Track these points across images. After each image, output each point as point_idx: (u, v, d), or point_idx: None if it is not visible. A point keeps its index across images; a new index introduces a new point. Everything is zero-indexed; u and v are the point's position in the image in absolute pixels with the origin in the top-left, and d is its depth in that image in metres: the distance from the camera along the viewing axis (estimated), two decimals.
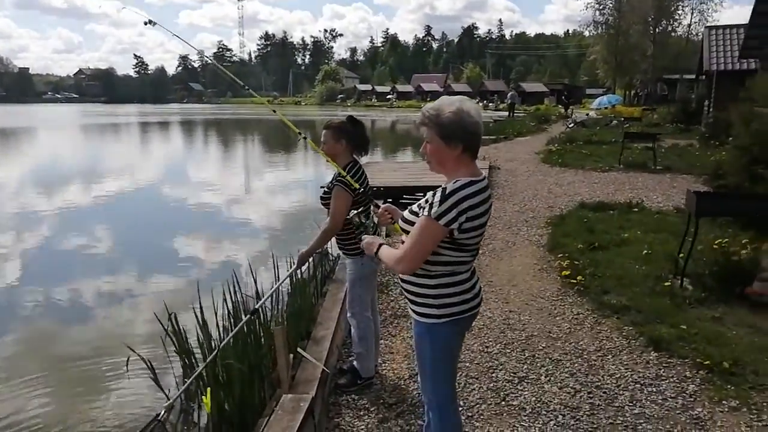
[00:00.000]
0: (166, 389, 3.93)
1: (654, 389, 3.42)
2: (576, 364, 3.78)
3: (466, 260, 2.26)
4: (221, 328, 4.12)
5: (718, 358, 3.66)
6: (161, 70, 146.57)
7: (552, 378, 3.61)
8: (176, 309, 4.22)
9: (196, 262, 7.81)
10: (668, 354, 3.83)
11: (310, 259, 4.32)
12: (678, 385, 3.45)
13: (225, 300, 4.30)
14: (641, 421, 3.12)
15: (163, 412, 3.24)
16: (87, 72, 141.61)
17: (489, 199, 2.22)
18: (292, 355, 3.44)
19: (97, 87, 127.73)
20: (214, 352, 3.52)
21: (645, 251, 5.96)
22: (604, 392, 3.41)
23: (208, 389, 2.73)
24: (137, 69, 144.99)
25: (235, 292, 4.37)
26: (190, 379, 3.51)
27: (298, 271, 4.24)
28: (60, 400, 4.27)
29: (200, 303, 4.02)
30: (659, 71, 48.40)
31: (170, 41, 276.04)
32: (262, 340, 3.90)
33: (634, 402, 3.30)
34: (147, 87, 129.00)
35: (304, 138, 3.28)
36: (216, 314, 4.07)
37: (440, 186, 2.17)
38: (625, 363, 3.78)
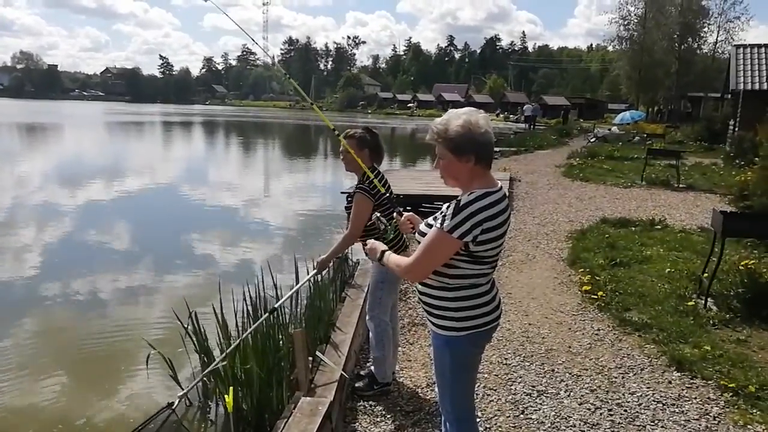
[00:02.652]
0: (185, 385, 3.94)
1: (676, 410, 3.37)
2: (596, 381, 3.73)
3: (485, 272, 2.24)
4: (240, 328, 4.14)
5: (744, 381, 3.59)
6: (185, 72, 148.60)
7: (572, 393, 3.57)
8: (196, 307, 4.24)
9: (217, 261, 7.87)
10: (691, 374, 3.77)
11: (330, 264, 4.33)
12: (701, 407, 3.39)
13: (245, 300, 4.32)
14: None
15: (177, 401, 3.26)
16: (113, 71, 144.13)
17: (507, 210, 2.19)
18: (310, 359, 3.44)
19: (123, 86, 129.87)
20: (232, 346, 3.54)
21: (668, 269, 5.88)
22: (625, 410, 3.36)
23: (231, 389, 2.73)
24: (162, 69, 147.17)
25: (253, 294, 4.38)
26: (206, 371, 3.53)
27: (318, 275, 4.25)
28: (79, 392, 4.33)
29: (221, 302, 4.04)
30: (683, 88, 47.92)
31: (195, 43, 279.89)
32: (281, 342, 3.91)
33: (656, 422, 3.24)
34: (171, 87, 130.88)
35: (338, 135, 3.30)
36: (235, 314, 4.09)
37: (457, 197, 2.17)
38: (647, 381, 3.72)
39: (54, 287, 6.67)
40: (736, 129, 19.12)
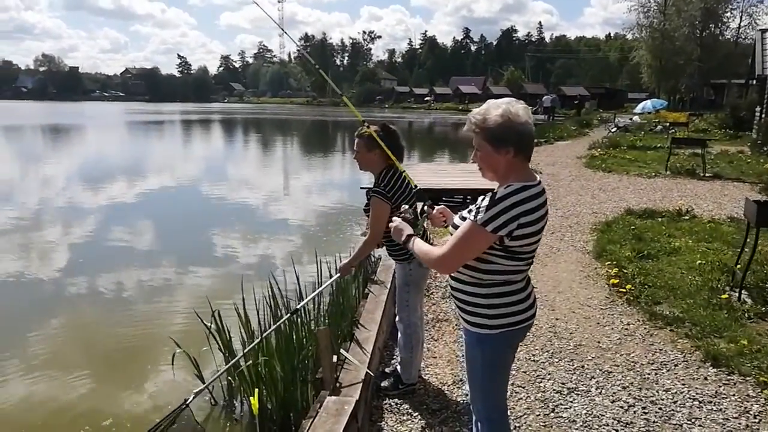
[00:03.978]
0: (210, 386, 3.92)
1: (714, 407, 3.25)
2: (628, 377, 3.63)
3: (520, 269, 2.15)
4: (264, 327, 4.10)
5: None
6: (203, 70, 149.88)
7: (603, 390, 3.47)
8: (219, 304, 4.22)
9: (239, 258, 7.87)
10: (728, 370, 3.64)
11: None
12: (740, 405, 3.27)
13: (267, 299, 4.28)
14: None
15: (191, 397, 3.23)
16: (133, 71, 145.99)
17: (545, 205, 2.10)
18: (335, 357, 3.39)
19: (142, 86, 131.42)
20: (251, 345, 3.51)
21: (698, 261, 5.72)
22: (660, 408, 3.25)
23: (256, 390, 2.69)
24: (180, 68, 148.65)
25: (275, 294, 4.34)
26: (223, 370, 3.51)
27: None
28: (104, 390, 4.34)
29: (243, 301, 4.01)
30: (706, 75, 46.89)
31: (212, 41, 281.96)
32: (305, 340, 3.87)
33: (693, 420, 3.13)
34: (189, 86, 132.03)
35: (368, 126, 3.23)
36: (258, 313, 4.05)
37: (489, 189, 2.08)
38: (681, 378, 3.60)
39: (77, 285, 6.75)
40: (763, 115, 18.62)
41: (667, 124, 24.54)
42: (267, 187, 14.60)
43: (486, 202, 2.02)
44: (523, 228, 2.02)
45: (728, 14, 46.97)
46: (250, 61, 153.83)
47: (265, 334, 3.53)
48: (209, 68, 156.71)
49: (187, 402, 3.23)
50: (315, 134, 33.09)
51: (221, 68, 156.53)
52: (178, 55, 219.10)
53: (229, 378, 3.80)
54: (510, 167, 2.08)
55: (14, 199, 12.34)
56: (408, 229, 2.34)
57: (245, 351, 3.48)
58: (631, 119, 28.92)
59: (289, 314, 3.55)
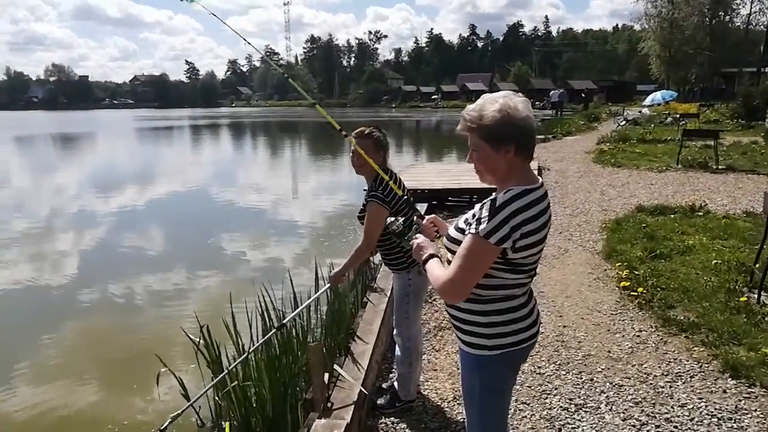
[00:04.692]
0: (196, 406, 3.73)
1: (735, 425, 3.00)
2: (641, 391, 3.39)
3: (522, 282, 1.94)
4: (255, 341, 3.91)
5: None
6: (211, 75, 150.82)
7: (614, 407, 3.24)
8: (210, 317, 4.04)
9: (236, 266, 7.71)
10: (748, 382, 3.38)
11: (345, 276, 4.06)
12: (764, 421, 3.01)
13: (260, 311, 4.08)
14: None
15: (167, 423, 3.04)
16: (142, 78, 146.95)
17: (547, 210, 1.88)
18: (327, 375, 3.19)
19: (151, 92, 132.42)
20: (237, 361, 3.32)
21: (714, 260, 5.45)
22: (676, 427, 3.01)
23: (227, 424, 2.51)
24: (188, 74, 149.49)
25: (266, 306, 4.14)
26: (206, 390, 3.32)
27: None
28: (85, 404, 4.20)
29: (232, 315, 3.81)
30: (716, 65, 46.14)
31: (219, 47, 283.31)
32: (299, 353, 3.67)
33: None
34: (198, 91, 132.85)
35: (346, 136, 3.01)
36: (250, 327, 3.85)
37: (490, 191, 1.86)
38: (698, 391, 3.35)
39: (77, 293, 6.67)
40: None
41: (678, 115, 24.07)
42: (270, 190, 14.47)
43: (486, 211, 1.81)
44: (525, 238, 1.80)
45: (738, 0, 46.21)
46: (257, 65, 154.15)
47: (249, 351, 3.34)
48: (217, 73, 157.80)
49: (163, 427, 3.04)
50: (321, 137, 32.91)
51: (229, 72, 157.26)
52: (186, 61, 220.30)
53: (216, 398, 3.61)
54: (511, 168, 1.86)
55: (26, 207, 12.42)
56: (431, 249, 2.07)
57: (229, 369, 3.28)
58: (640, 112, 28.45)
59: (274, 330, 3.35)
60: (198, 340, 3.77)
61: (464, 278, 1.84)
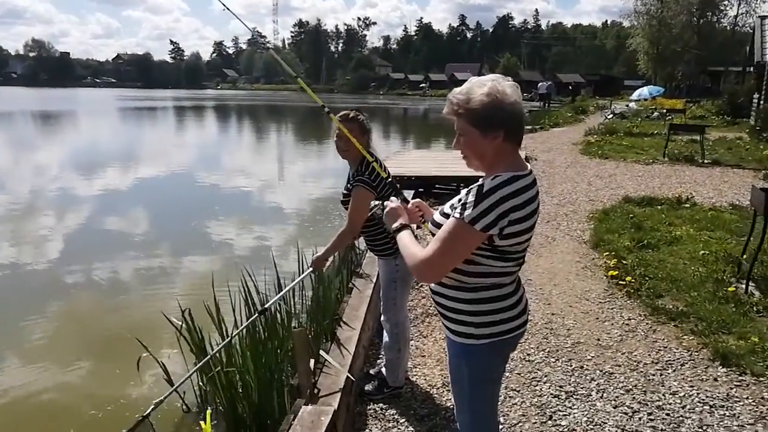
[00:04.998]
0: (181, 391, 3.63)
1: (727, 412, 2.98)
2: (631, 379, 3.36)
3: (510, 270, 1.86)
4: (238, 327, 3.81)
5: None
6: (196, 56, 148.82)
7: (605, 394, 3.20)
8: (191, 302, 3.91)
9: (221, 250, 7.56)
10: (739, 370, 3.37)
11: (330, 260, 3.97)
12: (755, 409, 3.00)
13: (244, 295, 3.97)
14: None
15: (151, 409, 2.94)
16: (125, 57, 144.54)
17: (536, 198, 1.80)
18: (313, 361, 3.11)
19: (134, 72, 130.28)
20: (219, 346, 3.22)
21: (701, 251, 5.45)
22: (668, 414, 2.98)
23: (208, 412, 2.41)
24: (173, 55, 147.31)
25: (250, 290, 4.03)
26: (188, 376, 3.22)
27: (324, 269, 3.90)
28: (66, 390, 4.07)
29: (215, 299, 3.69)
30: (703, 63, 46.62)
31: (205, 27, 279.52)
32: (284, 338, 3.58)
33: (704, 428, 2.86)
34: (182, 72, 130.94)
35: (329, 112, 2.90)
36: (234, 311, 3.74)
37: (477, 179, 1.78)
38: (689, 379, 3.33)
39: (40, 275, 6.47)
40: (762, 102, 18.35)
41: (664, 110, 24.24)
42: (255, 174, 14.27)
43: (472, 196, 1.72)
44: (514, 225, 1.73)
45: (726, 2, 46.73)
46: (244, 47, 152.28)
47: (233, 336, 3.24)
48: (202, 54, 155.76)
49: (146, 413, 2.93)
50: (307, 121, 32.64)
51: (214, 54, 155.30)
52: (171, 41, 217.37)
53: (201, 383, 3.50)
54: (499, 154, 1.78)
55: (6, 186, 12.08)
56: (405, 218, 2.00)
57: (211, 355, 3.18)
58: (627, 106, 28.60)
59: (257, 314, 3.25)
60: (181, 324, 3.66)
61: (440, 261, 1.77)
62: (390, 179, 2.79)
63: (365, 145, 2.96)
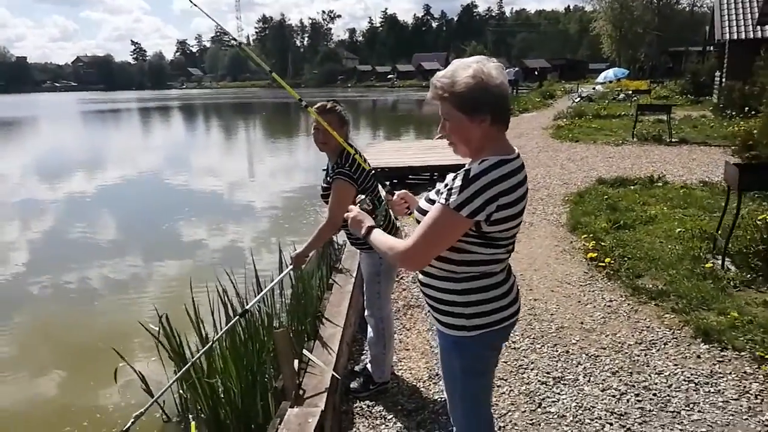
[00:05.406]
0: (161, 400, 3.51)
1: (711, 389, 2.99)
2: (617, 361, 3.36)
3: (500, 258, 1.81)
4: (218, 330, 3.70)
5: None
6: (159, 56, 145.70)
7: (592, 378, 3.19)
8: (167, 307, 3.79)
9: (195, 252, 7.39)
10: (720, 346, 3.40)
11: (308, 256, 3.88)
12: (739, 384, 3.02)
13: (222, 298, 3.86)
14: (703, 430, 2.69)
15: (130, 423, 2.84)
16: (85, 59, 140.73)
17: (525, 182, 1.76)
18: (297, 361, 3.03)
19: (96, 74, 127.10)
20: (201, 352, 3.12)
21: (677, 229, 5.51)
22: (654, 394, 2.98)
23: (192, 424, 2.32)
24: (135, 55, 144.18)
25: (228, 292, 3.92)
26: (169, 384, 3.11)
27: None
28: (40, 404, 3.91)
29: (193, 302, 3.58)
30: (664, 44, 47.58)
31: (166, 26, 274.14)
32: (265, 340, 3.48)
33: (691, 405, 2.87)
34: (145, 73, 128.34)
35: (306, 106, 2.81)
36: (212, 314, 3.63)
37: (457, 165, 1.72)
38: (673, 357, 3.35)
39: (10, 285, 6.22)
40: (724, 80, 18.73)
41: (630, 92, 24.61)
42: (226, 173, 14.05)
43: (458, 181, 1.66)
44: (502, 210, 1.67)
45: None
46: (208, 45, 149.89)
47: (213, 341, 3.14)
48: (165, 54, 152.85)
49: (126, 427, 2.82)
50: (276, 117, 32.27)
51: (178, 53, 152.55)
52: (132, 42, 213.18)
53: (181, 391, 3.39)
54: (486, 138, 1.72)
55: None
56: (368, 221, 1.94)
57: (192, 362, 3.07)
58: (594, 89, 28.96)
59: (237, 316, 3.15)
60: (158, 330, 3.54)
61: (424, 248, 1.71)
62: (372, 171, 2.71)
63: (344, 137, 2.88)
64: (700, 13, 47.10)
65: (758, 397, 2.90)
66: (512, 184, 1.69)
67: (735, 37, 18.73)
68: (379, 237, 1.87)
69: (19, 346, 4.93)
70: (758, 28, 17.23)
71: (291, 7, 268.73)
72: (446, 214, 1.66)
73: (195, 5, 3.02)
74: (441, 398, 3.11)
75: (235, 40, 3.35)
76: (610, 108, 19.78)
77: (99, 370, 4.09)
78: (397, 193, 2.20)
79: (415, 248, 1.71)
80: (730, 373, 3.13)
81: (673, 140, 12.26)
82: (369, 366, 3.26)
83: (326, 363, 3.11)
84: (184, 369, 3.05)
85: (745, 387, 2.99)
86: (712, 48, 24.23)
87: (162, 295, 5.70)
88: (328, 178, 2.96)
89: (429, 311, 1.96)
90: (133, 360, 3.71)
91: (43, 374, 4.36)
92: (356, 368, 3.46)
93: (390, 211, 2.66)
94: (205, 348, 3.11)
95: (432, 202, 1.77)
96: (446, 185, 1.72)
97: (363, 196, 2.24)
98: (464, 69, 1.68)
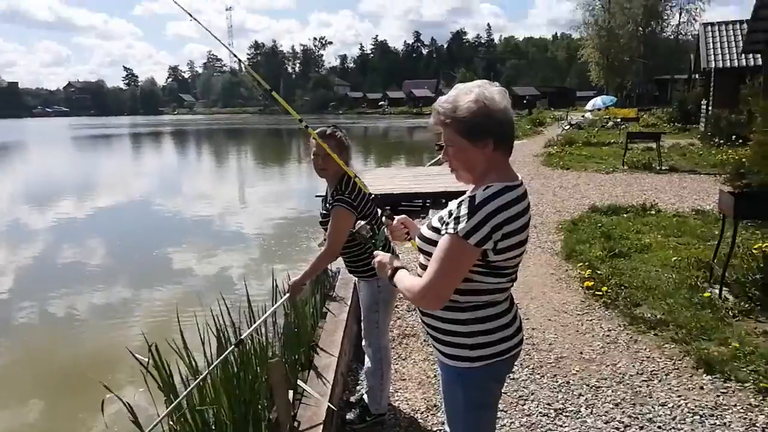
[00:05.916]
0: None
1: (717, 422, 2.93)
2: (619, 392, 3.29)
3: (504, 287, 1.77)
4: (210, 361, 3.60)
5: None
6: (151, 82, 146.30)
7: (594, 409, 3.12)
8: (157, 336, 3.69)
9: (187, 280, 7.28)
10: (723, 377, 3.34)
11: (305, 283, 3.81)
12: (744, 417, 2.96)
13: (213, 326, 3.76)
14: None
15: None
16: (77, 85, 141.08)
17: (528, 209, 1.72)
18: (291, 392, 2.94)
19: (88, 100, 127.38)
20: (193, 384, 3.01)
21: (672, 257, 5.49)
22: (659, 427, 2.91)
23: None
24: (127, 81, 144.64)
25: (219, 320, 3.83)
26: (159, 419, 2.99)
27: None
28: None
29: (181, 333, 3.47)
30: (650, 72, 48.55)
31: (159, 52, 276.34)
32: (257, 370, 3.38)
33: None
34: (137, 99, 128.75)
35: (306, 127, 2.77)
36: (203, 343, 3.53)
37: (451, 192, 1.68)
38: (676, 389, 3.29)
39: (8, 311, 6.09)
40: (710, 108, 19.04)
41: (618, 119, 24.96)
42: (217, 200, 13.96)
43: (464, 209, 1.62)
44: (507, 238, 1.63)
45: (668, 11, 48.94)
46: (200, 71, 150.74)
47: (205, 374, 3.03)
48: (157, 80, 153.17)
49: None
50: (267, 144, 32.32)
51: (170, 79, 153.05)
52: (124, 67, 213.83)
53: (171, 422, 3.27)
54: (489, 164, 1.69)
55: None
56: (395, 261, 1.89)
57: (184, 394, 2.97)
58: (583, 116, 29.33)
59: (232, 347, 3.06)
60: (147, 360, 3.42)
61: (444, 283, 1.65)
62: (373, 196, 2.66)
63: (345, 163, 2.84)
64: (685, 42, 48.18)
65: (765, 429, 2.84)
66: (517, 211, 1.65)
67: (720, 65, 19.11)
68: (402, 277, 1.81)
69: (2, 373, 4.78)
70: (743, 56, 17.57)
71: (283, 33, 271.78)
72: (456, 243, 1.61)
73: (194, 19, 2.99)
74: (439, 430, 3.03)
75: (235, 56, 3.32)
76: (599, 135, 20.01)
77: (86, 400, 3.96)
78: (396, 218, 2.16)
79: (434, 284, 1.65)
80: (735, 405, 3.07)
81: (663, 168, 12.38)
82: (365, 397, 3.17)
83: (321, 394, 3.02)
84: (175, 403, 2.95)
85: (751, 419, 2.93)
86: (697, 76, 24.68)
87: (151, 323, 5.58)
88: (327, 205, 2.91)
89: (431, 342, 1.90)
90: (121, 389, 3.58)
91: (28, 403, 4.22)
92: (352, 399, 3.37)
93: (389, 236, 2.61)
94: (198, 379, 3.00)
95: (435, 230, 1.73)
96: (450, 213, 1.68)
97: (362, 222, 2.20)
98: (466, 94, 1.66)
